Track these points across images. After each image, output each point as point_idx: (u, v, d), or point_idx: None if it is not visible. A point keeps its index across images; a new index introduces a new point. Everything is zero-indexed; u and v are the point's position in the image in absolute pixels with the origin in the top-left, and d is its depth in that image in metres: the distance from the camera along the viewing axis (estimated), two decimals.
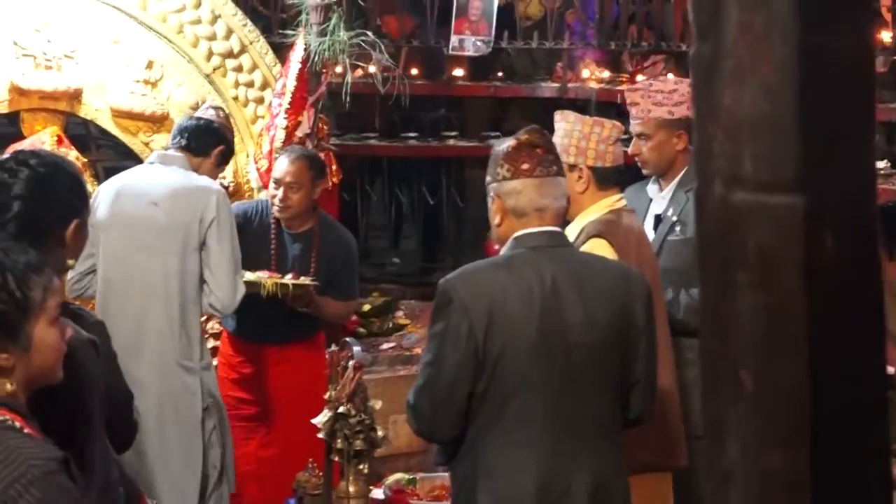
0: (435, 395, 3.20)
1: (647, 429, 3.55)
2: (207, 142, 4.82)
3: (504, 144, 3.36)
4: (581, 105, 7.63)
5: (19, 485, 2.17)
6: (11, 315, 2.37)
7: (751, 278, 1.06)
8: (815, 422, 1.03)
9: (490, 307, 3.14)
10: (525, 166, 3.29)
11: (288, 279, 5.05)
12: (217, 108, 5.20)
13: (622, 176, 4.21)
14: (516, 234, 3.28)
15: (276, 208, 5.19)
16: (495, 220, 3.34)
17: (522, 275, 3.20)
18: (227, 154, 5.02)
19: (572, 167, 3.98)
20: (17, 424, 2.30)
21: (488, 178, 3.38)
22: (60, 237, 2.93)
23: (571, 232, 3.98)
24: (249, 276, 4.95)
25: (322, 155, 5.85)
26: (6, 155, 3.19)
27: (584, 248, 3.80)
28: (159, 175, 4.67)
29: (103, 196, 4.65)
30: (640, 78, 7.47)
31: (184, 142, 4.79)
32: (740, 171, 1.06)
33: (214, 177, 4.95)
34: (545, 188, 3.29)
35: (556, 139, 4.06)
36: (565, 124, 4.08)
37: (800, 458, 1.04)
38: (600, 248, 3.79)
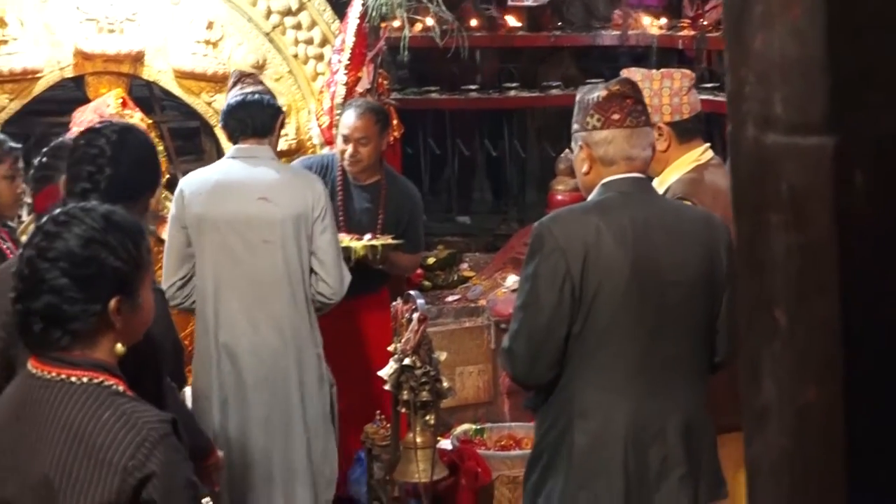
0: (533, 337, 3.23)
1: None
2: (269, 118, 4.66)
3: (593, 94, 3.37)
4: (641, 52, 7.59)
5: (145, 448, 2.23)
6: (131, 276, 2.41)
7: (784, 219, 1.08)
8: (847, 356, 1.05)
9: (585, 248, 3.18)
10: (615, 116, 3.32)
11: (367, 239, 5.11)
12: (247, 76, 4.94)
13: (703, 124, 4.15)
14: (606, 180, 3.31)
15: (346, 162, 5.24)
16: (583, 167, 3.38)
17: (614, 217, 3.23)
18: (282, 123, 4.86)
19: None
20: (121, 388, 2.36)
21: (576, 127, 3.40)
22: (145, 204, 3.09)
23: (658, 190, 3.96)
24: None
25: None
26: (98, 124, 3.37)
27: None
28: (257, 170, 4.56)
29: (194, 197, 4.52)
30: (702, 22, 7.40)
31: (250, 130, 4.62)
32: (771, 113, 1.08)
33: (278, 142, 4.87)
34: (634, 138, 3.33)
35: None
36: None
37: (833, 393, 1.06)
38: None
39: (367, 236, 5.14)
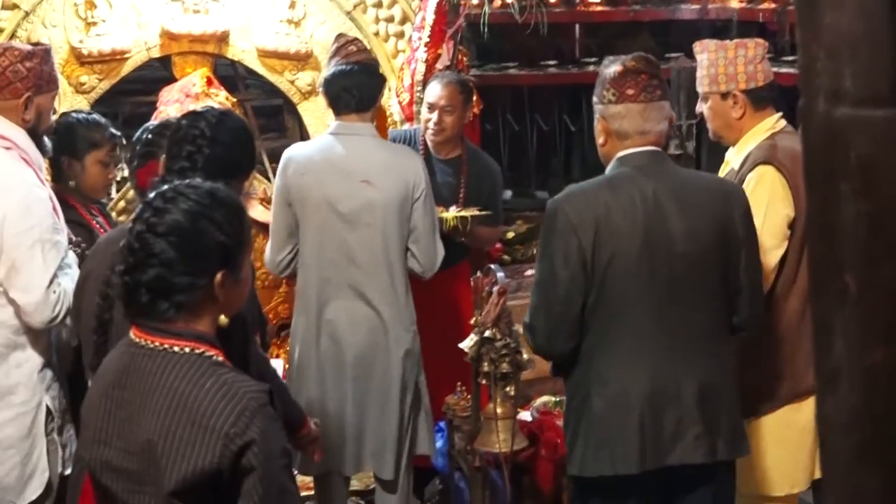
0: (551, 311, 3.40)
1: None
2: (374, 90, 4.65)
3: (611, 69, 3.49)
4: (721, 26, 7.55)
5: (245, 417, 2.32)
6: (235, 251, 2.51)
7: (853, 187, 1.14)
8: None
9: (596, 223, 3.32)
10: (630, 91, 3.43)
11: (453, 211, 5.18)
12: (351, 42, 4.84)
13: (776, 92, 4.17)
14: (620, 154, 3.45)
15: (430, 132, 5.31)
16: (600, 139, 3.53)
17: (625, 191, 3.37)
18: (382, 89, 4.79)
19: (725, 95, 4.00)
20: (221, 359, 2.45)
21: (595, 100, 3.55)
22: (240, 185, 3.22)
23: (734, 159, 4.00)
24: None
25: None
26: (200, 108, 3.54)
27: (751, 176, 3.82)
28: (359, 150, 4.56)
29: (297, 175, 4.55)
30: None
31: (354, 104, 4.59)
32: (841, 87, 1.14)
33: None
34: (648, 112, 3.43)
35: (702, 71, 4.06)
36: (707, 54, 4.06)
37: None
38: (769, 174, 3.82)
39: (453, 208, 5.20)
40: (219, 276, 2.46)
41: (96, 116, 4.63)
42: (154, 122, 4.15)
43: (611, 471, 3.36)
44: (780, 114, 4.08)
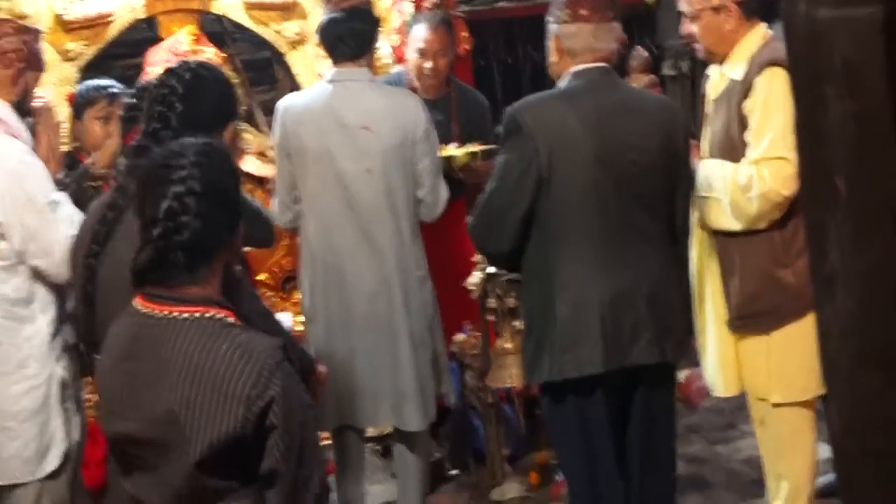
0: (491, 213, 3.59)
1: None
2: (367, 35, 4.56)
3: None
4: None
5: (264, 377, 2.33)
6: (238, 214, 2.58)
7: (838, 89, 1.11)
8: None
9: (553, 131, 3.49)
10: (583, 12, 3.61)
11: (458, 148, 5.15)
12: None
13: (761, 2, 4.15)
14: (573, 69, 3.62)
15: (426, 76, 5.27)
16: (553, 57, 3.70)
17: (580, 102, 3.55)
18: (377, 33, 4.67)
19: (718, 9, 3.96)
20: (231, 319, 2.45)
21: (549, 20, 3.70)
22: (219, 138, 3.15)
23: (732, 71, 3.96)
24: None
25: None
26: (173, 64, 3.45)
27: (760, 79, 3.81)
28: (356, 97, 4.51)
29: (295, 126, 4.51)
30: None
31: (349, 51, 4.52)
32: None
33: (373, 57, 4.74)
34: (600, 32, 3.62)
35: None
36: None
37: (893, 253, 1.10)
38: (780, 75, 3.80)
39: (453, 145, 5.18)
40: (233, 241, 2.53)
41: (98, 81, 4.65)
42: (138, 84, 4.12)
43: (577, 372, 3.51)
44: (766, 24, 4.06)
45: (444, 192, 4.64)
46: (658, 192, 3.61)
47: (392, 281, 4.50)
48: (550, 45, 3.70)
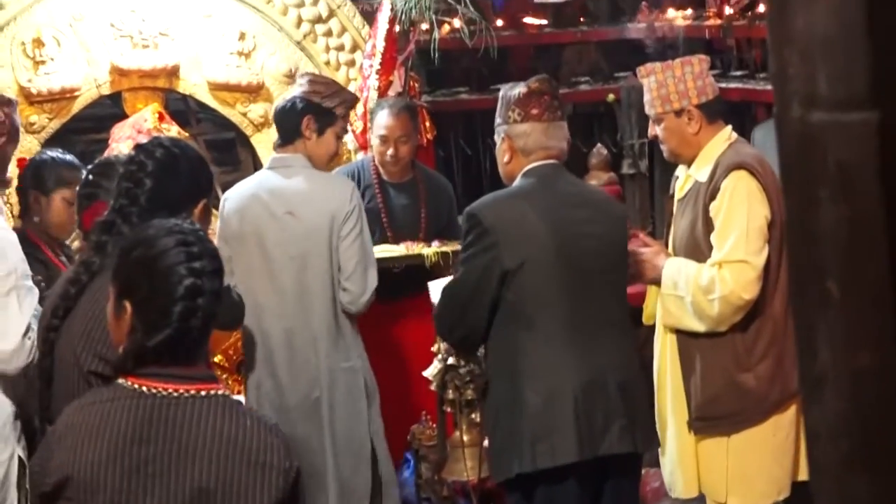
0: (461, 295, 3.64)
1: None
2: (291, 123, 4.59)
3: (515, 90, 3.76)
4: (668, 44, 7.59)
5: (287, 448, 2.40)
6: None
7: (832, 192, 1.13)
8: None
9: (513, 225, 3.60)
10: (534, 111, 3.71)
11: (436, 246, 5.16)
12: (303, 75, 4.95)
13: (724, 105, 4.23)
14: (527, 168, 3.71)
15: (389, 163, 5.30)
16: (504, 157, 3.79)
17: (536, 198, 3.64)
18: (325, 118, 4.64)
19: (679, 112, 4.02)
20: (234, 396, 2.50)
21: (499, 120, 3.81)
22: (189, 216, 3.11)
23: (698, 173, 4.01)
24: (396, 250, 5.07)
25: None
26: (146, 140, 3.43)
27: (726, 183, 3.86)
28: (286, 182, 4.52)
29: (231, 212, 4.54)
30: (727, 11, 7.41)
31: (279, 139, 4.63)
32: (816, 91, 1.13)
33: (333, 146, 4.70)
34: (551, 131, 3.73)
35: (651, 94, 4.08)
36: (655, 76, 4.08)
37: (886, 357, 1.11)
38: (745, 179, 3.86)
39: (435, 243, 5.20)
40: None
41: (71, 157, 4.57)
42: (98, 160, 4.06)
43: (551, 462, 3.50)
44: (730, 126, 4.13)
45: (371, 282, 4.55)
46: (617, 277, 3.72)
47: (319, 373, 4.44)
48: (501, 145, 3.78)
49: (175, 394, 2.39)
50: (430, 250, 5.11)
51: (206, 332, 2.47)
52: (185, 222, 2.57)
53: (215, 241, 4.63)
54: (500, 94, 3.84)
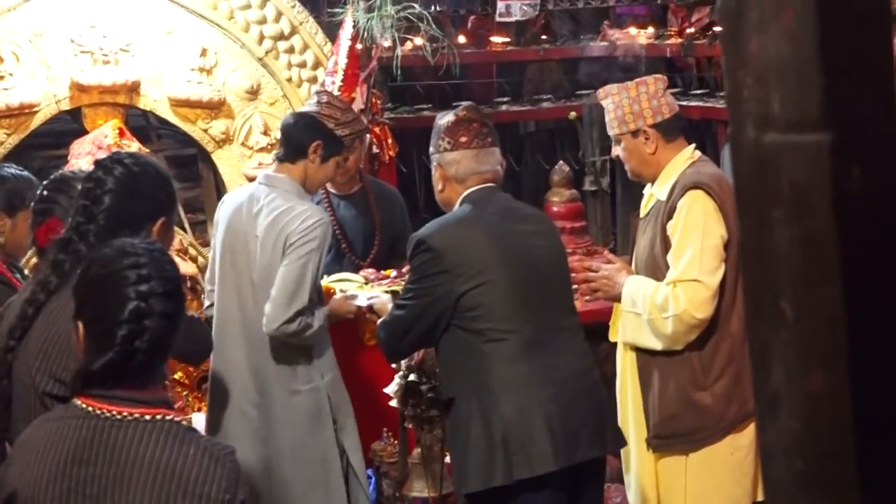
0: (407, 318, 3.67)
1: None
2: (298, 142, 4.48)
3: (444, 119, 3.85)
4: (630, 63, 7.65)
5: (234, 481, 2.34)
6: (183, 310, 2.54)
7: (785, 213, 1.13)
8: (851, 342, 1.10)
9: (460, 246, 3.63)
10: (463, 139, 3.78)
11: (392, 280, 5.14)
12: (320, 94, 4.84)
13: (683, 122, 4.24)
14: (464, 194, 3.78)
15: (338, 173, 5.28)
16: (438, 186, 3.87)
17: (479, 218, 3.71)
18: (333, 146, 4.54)
19: (636, 133, 4.04)
20: (186, 423, 2.43)
21: (431, 150, 3.88)
22: (147, 233, 3.08)
23: (659, 191, 4.04)
24: (355, 281, 5.06)
25: (377, 129, 5.96)
26: (105, 156, 3.37)
27: (682, 202, 3.87)
28: (266, 202, 4.41)
29: (218, 223, 4.52)
30: (688, 31, 7.47)
31: (281, 153, 4.52)
32: (769, 113, 1.13)
33: (331, 173, 4.63)
34: (481, 157, 3.80)
35: (609, 115, 4.12)
36: (612, 98, 4.12)
37: (839, 377, 1.11)
38: (700, 199, 3.88)
39: (393, 272, 5.18)
40: (174, 337, 2.49)
41: (27, 173, 4.50)
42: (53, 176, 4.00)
43: (529, 472, 3.50)
44: (693, 145, 4.15)
45: (290, 309, 4.28)
46: (565, 283, 3.80)
47: (272, 393, 4.42)
48: (435, 174, 3.86)
49: (118, 416, 2.35)
50: (381, 289, 5.09)
51: (156, 356, 2.42)
52: (143, 242, 2.54)
53: (193, 252, 4.63)
54: (435, 122, 3.92)
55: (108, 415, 2.36)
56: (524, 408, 3.54)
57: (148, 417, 2.35)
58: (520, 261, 3.68)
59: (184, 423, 2.41)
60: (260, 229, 4.39)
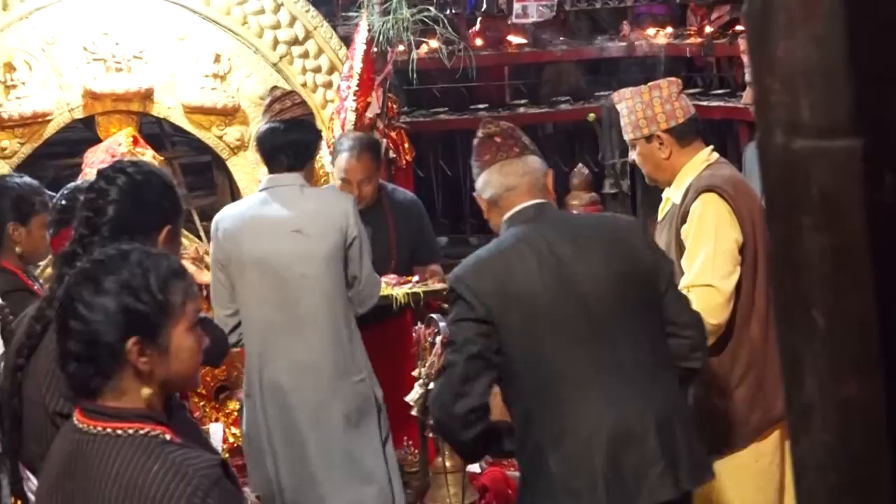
0: (448, 396, 3.25)
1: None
2: (308, 148, 4.60)
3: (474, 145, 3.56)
4: (649, 63, 7.64)
5: (198, 497, 2.23)
6: (153, 317, 2.38)
7: (816, 221, 1.13)
8: (885, 351, 1.10)
9: (498, 288, 3.26)
10: (486, 157, 3.48)
11: (415, 284, 5.15)
12: (285, 96, 4.81)
13: (699, 125, 4.22)
14: (505, 218, 3.42)
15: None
16: (486, 215, 3.53)
17: (519, 249, 3.32)
18: (318, 146, 4.74)
19: (649, 138, 4.03)
20: (168, 437, 2.36)
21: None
22: (153, 243, 3.07)
23: (674, 195, 4.03)
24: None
25: (394, 134, 5.95)
26: (89, 163, 3.36)
27: (695, 206, 3.85)
28: (288, 201, 4.49)
29: (228, 235, 4.50)
30: (707, 30, 7.46)
31: (287, 162, 4.53)
32: (798, 119, 1.13)
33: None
34: (505, 169, 3.43)
35: (623, 120, 4.12)
36: (625, 102, 4.12)
37: (873, 387, 1.11)
38: (713, 202, 3.85)
39: (391, 277, 5.17)
40: (129, 343, 2.36)
41: (29, 179, 4.52)
42: (69, 186, 4.02)
43: None
44: (711, 147, 4.14)
45: (374, 293, 4.62)
46: (635, 313, 3.34)
47: (333, 392, 4.43)
48: (481, 206, 3.55)
49: (94, 430, 2.35)
50: (400, 291, 5.09)
51: (106, 363, 2.36)
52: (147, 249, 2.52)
53: (210, 266, 4.62)
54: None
55: (86, 429, 2.36)
56: (576, 461, 3.22)
57: (120, 432, 2.33)
58: (567, 293, 3.28)
59: (161, 436, 2.35)
60: (300, 224, 4.42)
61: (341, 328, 4.47)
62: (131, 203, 3.10)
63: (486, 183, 3.45)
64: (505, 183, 3.43)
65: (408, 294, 5.08)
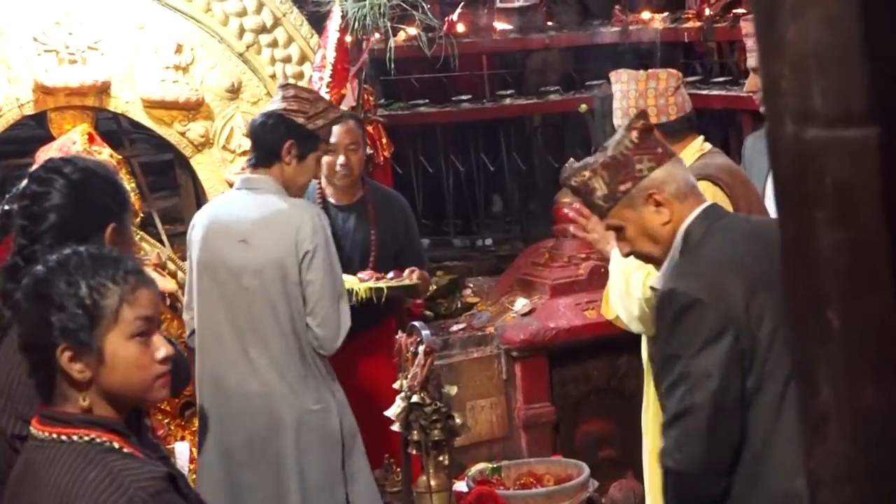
0: (712, 433, 3.06)
1: None
2: (269, 145, 4.56)
3: (621, 141, 3.32)
4: (644, 49, 7.64)
5: None
6: (79, 325, 2.37)
7: (830, 215, 1.13)
8: None
9: (738, 292, 3.08)
10: (660, 150, 3.31)
11: (362, 281, 5.14)
12: (285, 87, 4.86)
13: (694, 122, 4.24)
14: (688, 222, 3.26)
15: (338, 175, 5.27)
16: (664, 217, 3.27)
17: (739, 249, 3.19)
18: (308, 142, 4.61)
19: None
20: (117, 445, 2.37)
21: (626, 186, 3.28)
22: (98, 243, 3.05)
23: None
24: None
25: (370, 128, 5.95)
26: (37, 164, 3.33)
27: None
28: (248, 205, 4.50)
29: (194, 234, 4.57)
30: (707, 12, 7.47)
31: (253, 158, 4.59)
32: (810, 106, 1.13)
33: (314, 171, 4.71)
34: (680, 164, 3.39)
35: (616, 103, 4.14)
36: (620, 85, 4.14)
37: (892, 393, 1.11)
38: (708, 189, 3.86)
39: (366, 274, 5.16)
40: (57, 351, 2.37)
41: None
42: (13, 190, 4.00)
43: None
44: (702, 137, 4.17)
45: (344, 321, 4.52)
46: None
47: (281, 414, 4.43)
48: (648, 207, 3.28)
49: (44, 436, 2.40)
50: (363, 286, 5.08)
51: (45, 371, 2.41)
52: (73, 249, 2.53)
53: (173, 266, 4.66)
54: (601, 159, 3.32)
55: (40, 435, 2.41)
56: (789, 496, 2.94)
57: (65, 438, 2.37)
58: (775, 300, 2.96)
59: (108, 444, 2.37)
60: (248, 233, 4.44)
61: (293, 350, 4.45)
62: (73, 207, 3.07)
63: (672, 176, 3.28)
64: (690, 178, 3.34)
65: (370, 289, 5.07)
